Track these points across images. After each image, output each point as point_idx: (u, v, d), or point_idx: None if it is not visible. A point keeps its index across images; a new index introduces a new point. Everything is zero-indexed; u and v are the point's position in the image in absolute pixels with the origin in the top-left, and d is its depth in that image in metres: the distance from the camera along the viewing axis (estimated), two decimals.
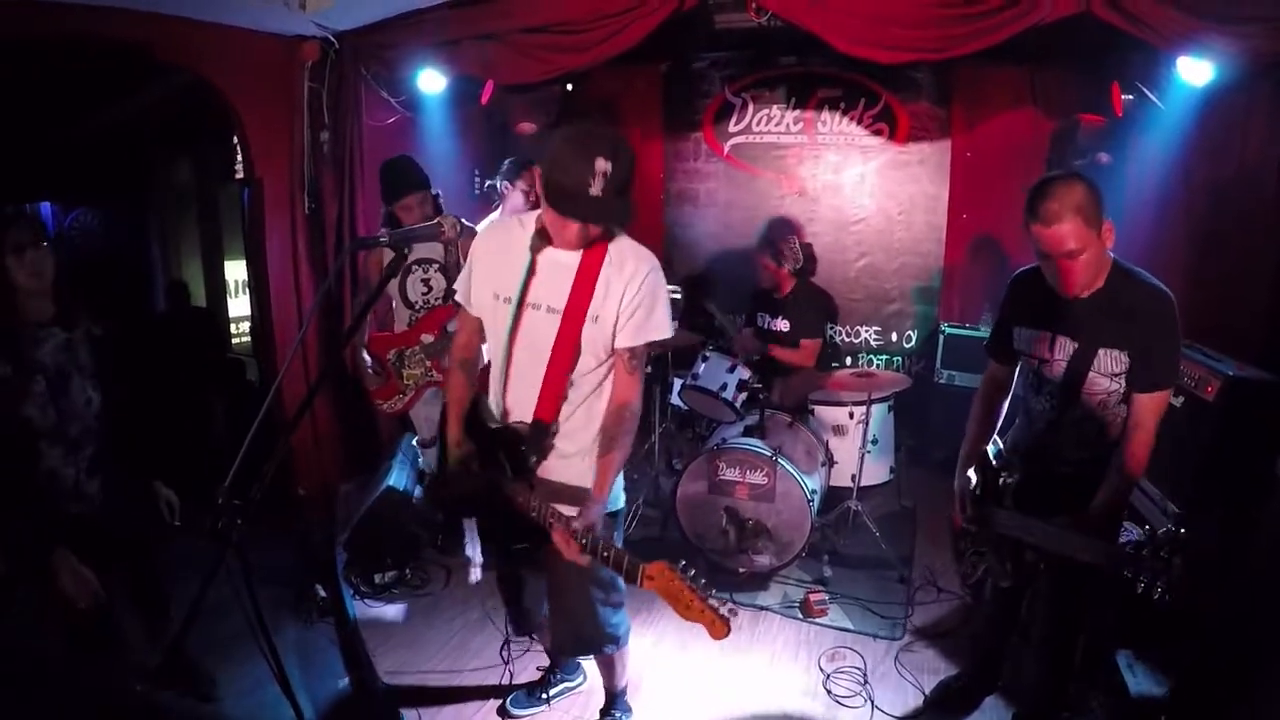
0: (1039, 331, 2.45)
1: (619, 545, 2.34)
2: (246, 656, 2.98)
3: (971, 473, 2.61)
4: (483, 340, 2.43)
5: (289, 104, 4.38)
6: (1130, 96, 4.09)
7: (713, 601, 1.80)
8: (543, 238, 2.19)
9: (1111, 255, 2.28)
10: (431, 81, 4.45)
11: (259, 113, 4.28)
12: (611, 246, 2.19)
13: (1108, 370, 2.31)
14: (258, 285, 4.62)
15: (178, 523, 2.75)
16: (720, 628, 1.81)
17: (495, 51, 4.11)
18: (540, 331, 2.21)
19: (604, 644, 2.61)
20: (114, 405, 2.66)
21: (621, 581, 2.37)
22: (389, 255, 3.68)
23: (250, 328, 6.90)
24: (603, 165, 1.93)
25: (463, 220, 3.36)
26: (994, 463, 2.59)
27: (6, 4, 3.22)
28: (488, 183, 4.94)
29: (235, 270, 7.29)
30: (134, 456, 2.74)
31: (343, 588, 3.77)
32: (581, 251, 2.17)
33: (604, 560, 2.03)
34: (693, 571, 1.86)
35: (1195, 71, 3.43)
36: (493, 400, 2.36)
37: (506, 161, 4.41)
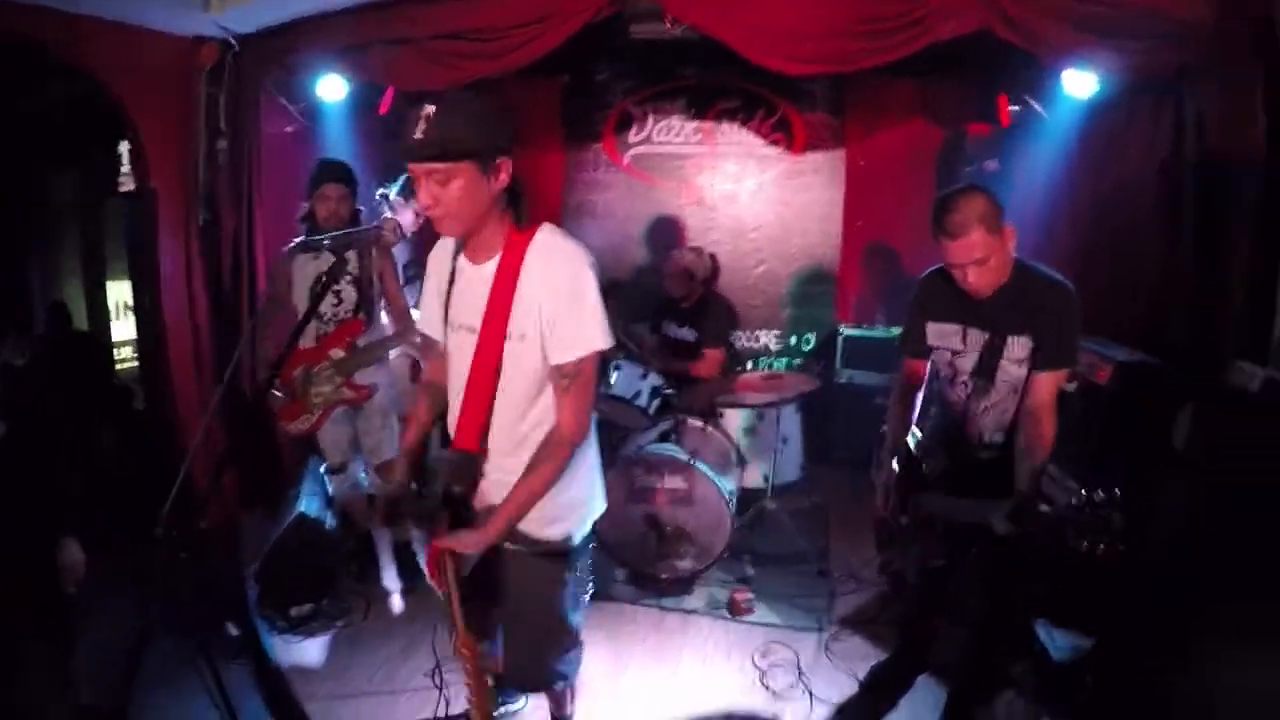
0: (951, 325, 2.59)
1: (572, 589, 2.25)
2: (168, 701, 2.81)
3: (894, 463, 2.73)
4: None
5: (185, 110, 4.14)
6: (1017, 107, 4.37)
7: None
8: (459, 250, 2.06)
9: (1014, 255, 2.44)
10: (332, 89, 4.31)
11: (153, 118, 4.02)
12: (530, 249, 1.96)
13: (1016, 356, 2.46)
14: (149, 304, 4.31)
15: (73, 589, 2.52)
16: None
17: (404, 57, 4.00)
18: (463, 353, 2.04)
19: (556, 680, 2.47)
20: (22, 444, 2.43)
21: (580, 616, 2.30)
22: (300, 263, 3.56)
23: (139, 350, 6.42)
24: (426, 109, 1.80)
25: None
26: (915, 452, 2.72)
27: None
28: (379, 192, 4.80)
29: (119, 291, 6.78)
30: (30, 498, 2.49)
31: (257, 624, 3.56)
32: (497, 260, 1.97)
33: (448, 599, 1.91)
34: (490, 679, 1.79)
35: (1080, 84, 3.71)
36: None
37: (404, 176, 4.31)
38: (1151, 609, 2.67)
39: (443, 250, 2.16)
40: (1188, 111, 3.38)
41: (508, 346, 1.97)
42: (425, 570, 1.96)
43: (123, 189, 4.40)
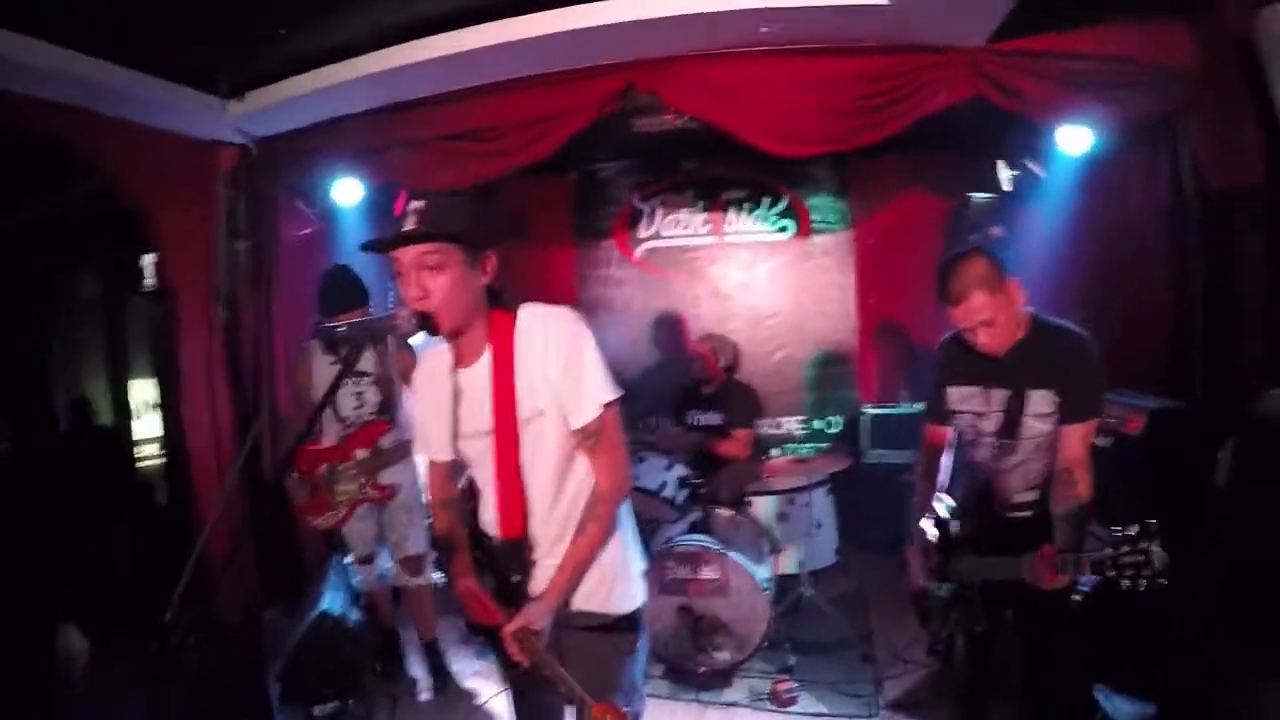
0: (972, 388, 2.58)
1: (643, 655, 2.16)
2: None
3: (927, 528, 2.64)
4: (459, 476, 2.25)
5: (205, 211, 4.26)
6: (1015, 172, 4.44)
7: None
8: (452, 360, 2.03)
9: (1029, 309, 2.45)
10: (348, 192, 4.44)
11: (174, 219, 4.13)
12: (518, 329, 1.96)
13: (1039, 411, 2.44)
14: (170, 401, 4.36)
15: (77, 677, 2.42)
16: None
17: (415, 158, 4.13)
18: (484, 456, 2.02)
19: None
20: None
21: (640, 696, 2.18)
22: (319, 364, 3.60)
23: (163, 447, 6.43)
24: (414, 205, 1.84)
25: None
26: (945, 518, 2.64)
27: None
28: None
29: (142, 389, 6.88)
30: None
31: None
32: (489, 355, 1.96)
33: (549, 676, 1.85)
34: None
35: (1074, 141, 3.78)
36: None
37: None
38: (1209, 654, 2.53)
39: (432, 367, 2.12)
40: (1182, 150, 3.44)
41: (525, 432, 1.95)
42: (511, 658, 1.91)
43: (146, 288, 4.49)
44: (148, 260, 4.34)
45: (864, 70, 3.62)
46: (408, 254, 1.83)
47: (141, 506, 5.71)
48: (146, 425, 6.78)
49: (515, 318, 1.98)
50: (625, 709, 1.98)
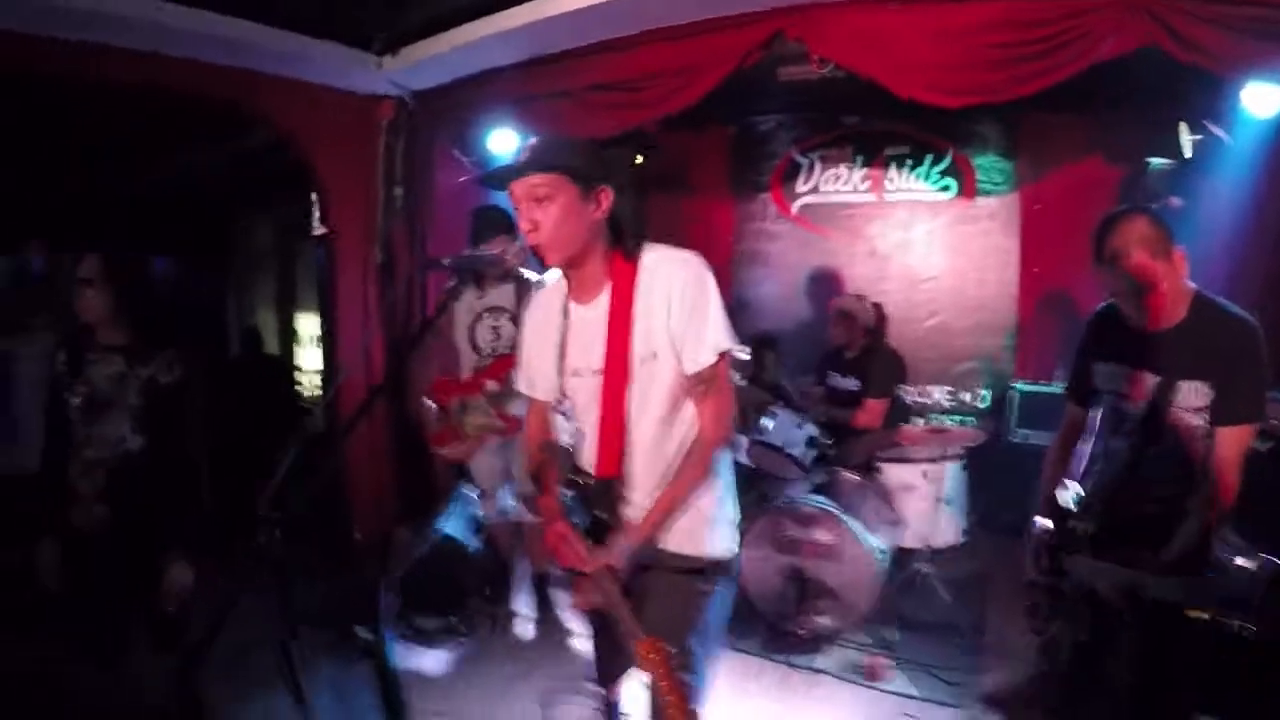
0: (1119, 367, 2.35)
1: (726, 602, 2.16)
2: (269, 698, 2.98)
3: (1047, 521, 2.49)
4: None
5: (365, 160, 4.61)
6: (1198, 136, 3.98)
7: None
8: (569, 297, 2.07)
9: (1192, 286, 2.21)
10: (503, 142, 4.59)
11: (336, 168, 4.51)
12: (641, 270, 1.98)
13: (1190, 404, 2.19)
14: (329, 334, 4.79)
15: (171, 608, 2.54)
16: None
17: (565, 109, 4.24)
18: (590, 394, 2.04)
19: None
20: (157, 458, 2.59)
21: (717, 642, 2.18)
22: (462, 303, 3.76)
23: (323, 377, 7.10)
24: (529, 141, 1.93)
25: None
26: (1070, 509, 2.47)
27: (112, 53, 3.51)
28: None
29: (307, 323, 7.59)
30: (167, 517, 2.61)
31: (385, 630, 3.75)
32: (608, 292, 1.99)
33: (614, 609, 1.90)
34: (686, 674, 1.71)
35: (1263, 101, 3.35)
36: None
37: None
38: None
39: (545, 303, 2.17)
40: None
41: (637, 373, 1.98)
42: (576, 599, 2.00)
43: (314, 232, 4.95)
44: (315, 207, 4.72)
45: (1017, 15, 3.33)
46: (520, 186, 1.91)
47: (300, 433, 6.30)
48: (314, 356, 7.48)
49: (639, 258, 2.00)
50: (680, 648, 1.97)
